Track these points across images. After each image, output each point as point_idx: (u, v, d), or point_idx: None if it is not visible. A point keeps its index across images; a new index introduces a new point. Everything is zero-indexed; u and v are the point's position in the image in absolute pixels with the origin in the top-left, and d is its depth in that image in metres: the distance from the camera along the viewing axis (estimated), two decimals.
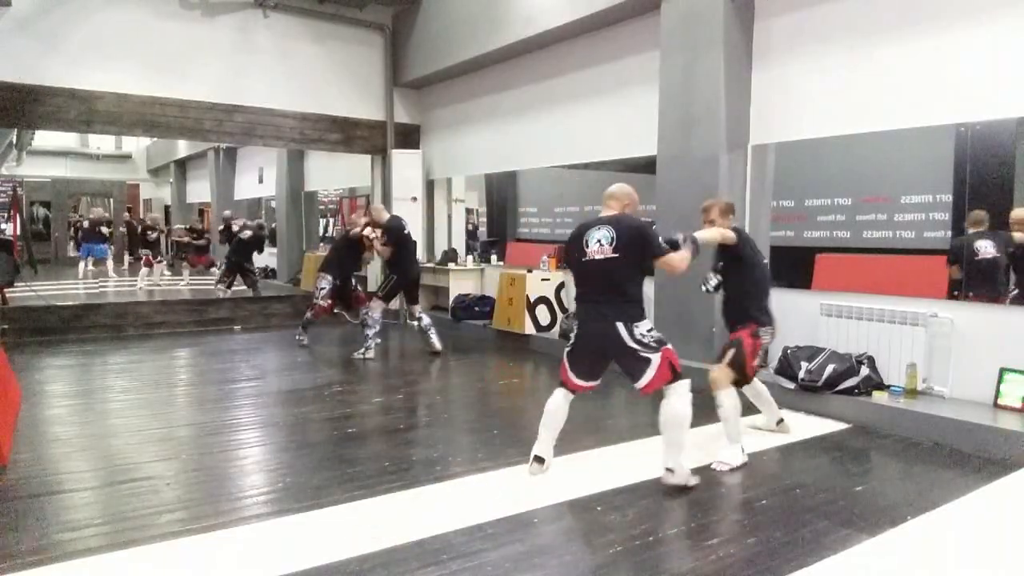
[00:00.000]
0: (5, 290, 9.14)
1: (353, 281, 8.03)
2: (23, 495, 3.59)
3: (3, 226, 15.64)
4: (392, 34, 10.60)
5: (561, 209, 10.93)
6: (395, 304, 10.35)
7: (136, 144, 24.07)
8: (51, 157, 22.22)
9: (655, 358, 3.59)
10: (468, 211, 12.24)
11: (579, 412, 5.52)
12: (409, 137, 10.99)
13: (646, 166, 7.12)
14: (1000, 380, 4.77)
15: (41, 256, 18.12)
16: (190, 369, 7.34)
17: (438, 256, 10.44)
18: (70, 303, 9.57)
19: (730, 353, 4.27)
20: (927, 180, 5.28)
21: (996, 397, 4.77)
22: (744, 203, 6.39)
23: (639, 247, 3.64)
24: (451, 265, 9.96)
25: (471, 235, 12.02)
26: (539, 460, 3.90)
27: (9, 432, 4.34)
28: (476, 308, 9.26)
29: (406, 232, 7.45)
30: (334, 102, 10.28)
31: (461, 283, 9.85)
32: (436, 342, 7.51)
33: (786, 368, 5.48)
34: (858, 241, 5.70)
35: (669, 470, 3.67)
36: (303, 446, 4.55)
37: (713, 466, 4.04)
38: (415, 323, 7.69)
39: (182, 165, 23.27)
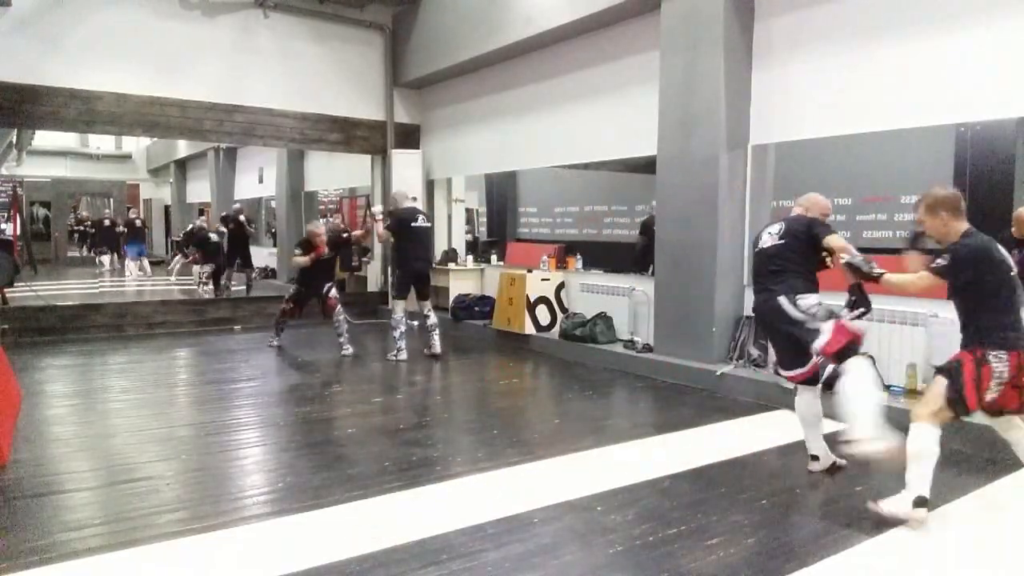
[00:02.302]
0: (5, 290, 9.14)
1: (328, 287, 7.75)
2: (23, 495, 3.59)
3: (3, 226, 15.65)
4: (392, 34, 10.60)
5: (561, 209, 10.93)
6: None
7: (136, 144, 24.06)
8: (51, 157, 22.22)
9: None
10: (468, 211, 12.22)
11: (579, 412, 5.54)
12: (409, 137, 10.99)
13: (646, 166, 7.12)
14: None
15: (41, 256, 18.12)
16: (190, 369, 7.34)
17: (438, 256, 10.44)
18: (70, 303, 9.57)
19: (939, 380, 3.34)
20: (927, 180, 5.27)
21: None
22: (744, 203, 6.39)
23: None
24: (451, 265, 9.96)
25: (471, 246, 11.83)
26: (815, 458, 4.05)
27: (9, 432, 4.35)
28: (476, 308, 9.26)
29: (413, 225, 7.31)
30: (334, 102, 10.28)
31: (461, 283, 9.85)
32: (437, 344, 7.47)
33: None
34: (858, 241, 5.70)
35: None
36: (303, 446, 4.55)
37: (875, 506, 3.34)
38: (423, 320, 7.63)
39: (182, 165, 23.27)
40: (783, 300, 3.76)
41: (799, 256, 3.88)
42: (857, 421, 3.43)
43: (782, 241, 3.88)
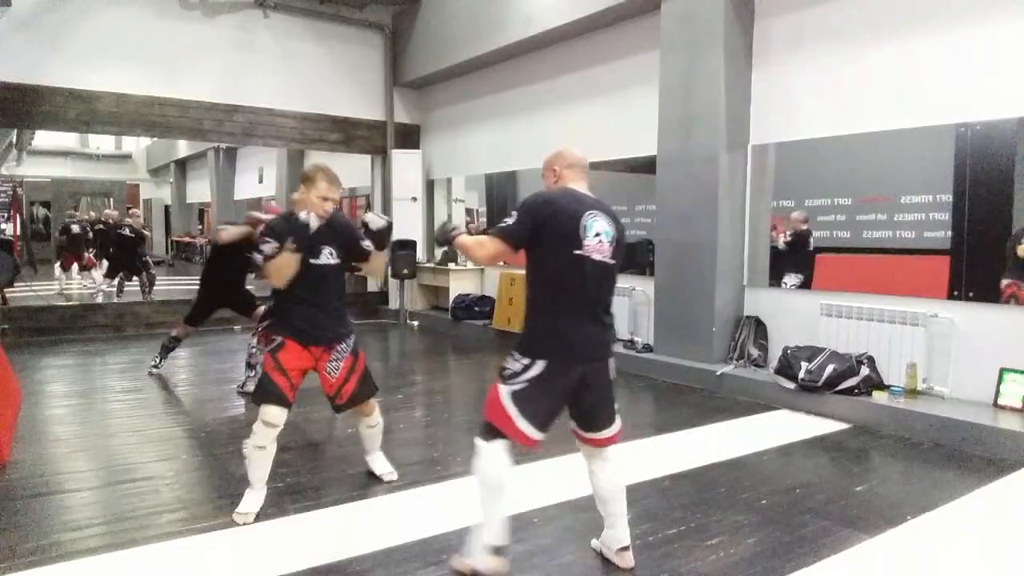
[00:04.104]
0: (5, 290, 9.14)
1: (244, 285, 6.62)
2: (23, 495, 3.60)
3: (3, 226, 15.65)
4: (392, 34, 10.60)
5: None
6: (395, 304, 10.40)
7: (136, 144, 24.08)
8: (51, 157, 22.24)
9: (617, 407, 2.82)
10: (468, 211, 12.22)
11: None
12: (409, 137, 10.99)
13: (646, 166, 7.12)
14: (1000, 380, 4.77)
15: (41, 256, 18.13)
16: (190, 369, 7.34)
17: (438, 256, 10.44)
18: (70, 303, 9.57)
19: None
20: (927, 180, 5.27)
21: (996, 397, 4.77)
22: (744, 203, 6.40)
23: (623, 256, 2.85)
24: (451, 265, 9.96)
25: None
26: (500, 550, 2.70)
27: (9, 432, 4.35)
28: (476, 308, 9.26)
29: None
30: (334, 102, 10.28)
31: (461, 283, 9.85)
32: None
33: (786, 368, 5.48)
34: (858, 241, 5.69)
35: (627, 548, 2.86)
36: (303, 446, 4.55)
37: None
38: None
39: (182, 165, 23.30)
40: (611, 362, 2.79)
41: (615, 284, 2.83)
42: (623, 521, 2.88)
43: (613, 262, 2.73)
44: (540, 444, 2.72)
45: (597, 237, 2.65)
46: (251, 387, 5.06)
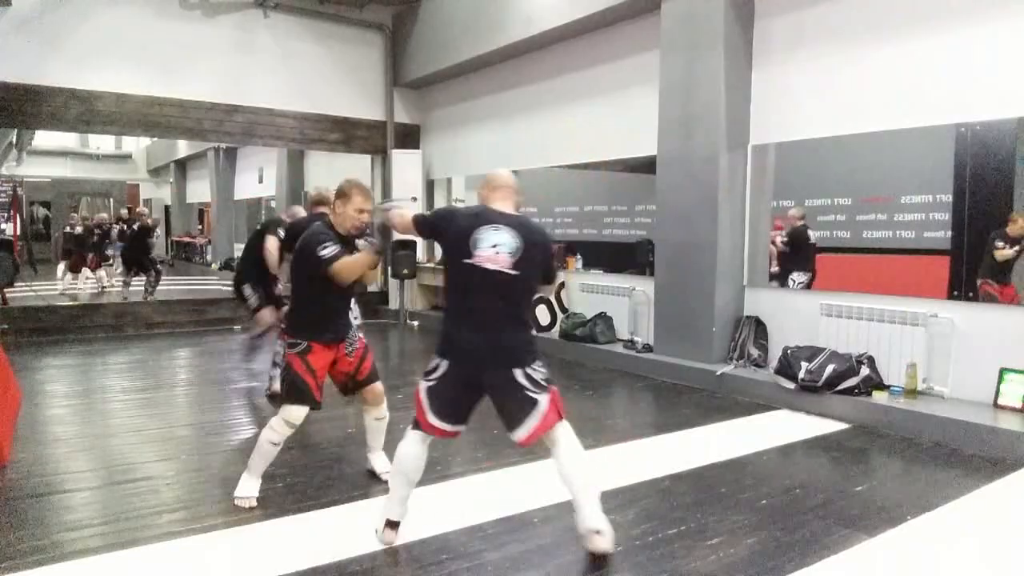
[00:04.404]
0: (5, 290, 9.15)
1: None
2: (23, 495, 3.59)
3: (3, 226, 15.65)
4: (392, 34, 10.60)
5: (561, 209, 10.90)
6: (395, 304, 10.40)
7: (136, 144, 24.08)
8: (51, 157, 22.24)
9: (543, 400, 2.88)
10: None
11: (579, 412, 5.54)
12: (409, 137, 10.99)
13: (646, 166, 7.12)
14: (1000, 380, 4.77)
15: (41, 256, 18.13)
16: (190, 369, 7.34)
17: (438, 256, 10.44)
18: (70, 303, 9.57)
19: None
20: (927, 180, 5.27)
21: (996, 397, 4.77)
22: (744, 203, 6.40)
23: (541, 268, 2.99)
24: None
25: None
26: (394, 525, 3.02)
27: (9, 432, 4.35)
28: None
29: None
30: (334, 102, 10.28)
31: None
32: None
33: (786, 368, 5.48)
34: (858, 241, 5.69)
35: (598, 532, 2.88)
36: (303, 446, 4.54)
37: None
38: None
39: (182, 165, 23.30)
40: (517, 371, 2.86)
41: (529, 294, 3.04)
42: (595, 503, 2.93)
43: (516, 273, 2.82)
44: (456, 435, 3.03)
45: (493, 248, 2.80)
46: (276, 386, 5.14)
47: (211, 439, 4.67)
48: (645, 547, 3.05)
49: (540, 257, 2.93)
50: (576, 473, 2.93)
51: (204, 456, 4.31)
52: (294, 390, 3.45)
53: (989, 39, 4.85)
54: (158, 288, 10.96)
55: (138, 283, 11.23)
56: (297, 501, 3.54)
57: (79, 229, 13.13)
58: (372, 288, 11.27)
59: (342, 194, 3.54)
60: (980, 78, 4.90)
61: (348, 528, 3.24)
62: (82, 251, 12.73)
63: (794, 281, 6.22)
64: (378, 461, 3.95)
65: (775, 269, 6.45)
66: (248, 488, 3.51)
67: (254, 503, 3.45)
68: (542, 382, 2.90)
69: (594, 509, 2.90)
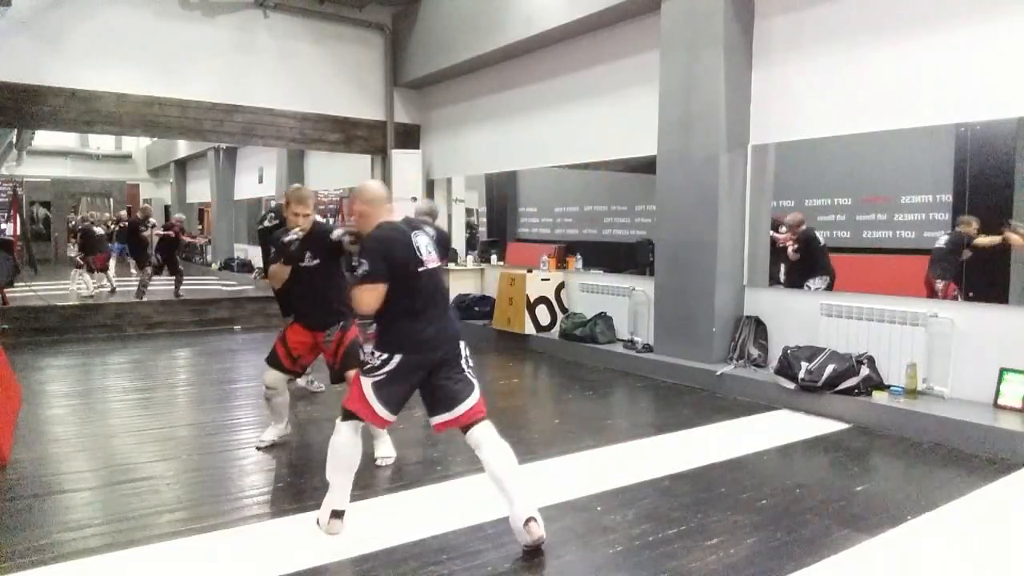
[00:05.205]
0: (5, 290, 9.15)
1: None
2: (23, 495, 3.59)
3: (3, 226, 15.64)
4: (392, 34, 10.60)
5: (561, 209, 10.92)
6: None
7: (136, 144, 24.09)
8: (51, 157, 22.26)
9: (478, 387, 3.14)
10: (468, 211, 12.24)
11: (579, 412, 5.54)
12: (409, 137, 10.99)
13: (646, 166, 7.12)
14: (1000, 380, 4.77)
15: (41, 256, 18.12)
16: (190, 369, 7.34)
17: None
18: (70, 303, 9.57)
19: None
20: (927, 180, 5.28)
21: (996, 397, 4.77)
22: (744, 203, 6.40)
23: (443, 247, 3.35)
24: (451, 265, 9.96)
25: (469, 243, 11.83)
26: (340, 515, 3.16)
27: (9, 432, 4.35)
28: (476, 308, 9.25)
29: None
30: (334, 102, 10.28)
31: (461, 283, 9.85)
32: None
33: (786, 368, 5.48)
34: (858, 241, 5.70)
35: (534, 519, 2.98)
36: (303, 446, 4.55)
37: None
38: None
39: (182, 165, 23.29)
40: (463, 345, 3.17)
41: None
42: (523, 491, 3.06)
43: (441, 262, 3.23)
44: (391, 424, 3.22)
45: (428, 250, 3.14)
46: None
47: (211, 439, 4.67)
48: (645, 547, 3.05)
49: (440, 241, 3.28)
50: (506, 469, 3.05)
51: (204, 456, 4.31)
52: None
53: (989, 39, 4.85)
54: (158, 287, 10.96)
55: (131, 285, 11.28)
56: (297, 501, 3.54)
57: (99, 229, 12.99)
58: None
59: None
60: (980, 78, 4.90)
61: (348, 528, 3.24)
62: (104, 252, 12.78)
63: (810, 288, 6.18)
64: (382, 447, 4.14)
65: (784, 278, 6.41)
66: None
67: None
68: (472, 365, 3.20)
69: (527, 498, 3.05)
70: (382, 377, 3.04)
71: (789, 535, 3.19)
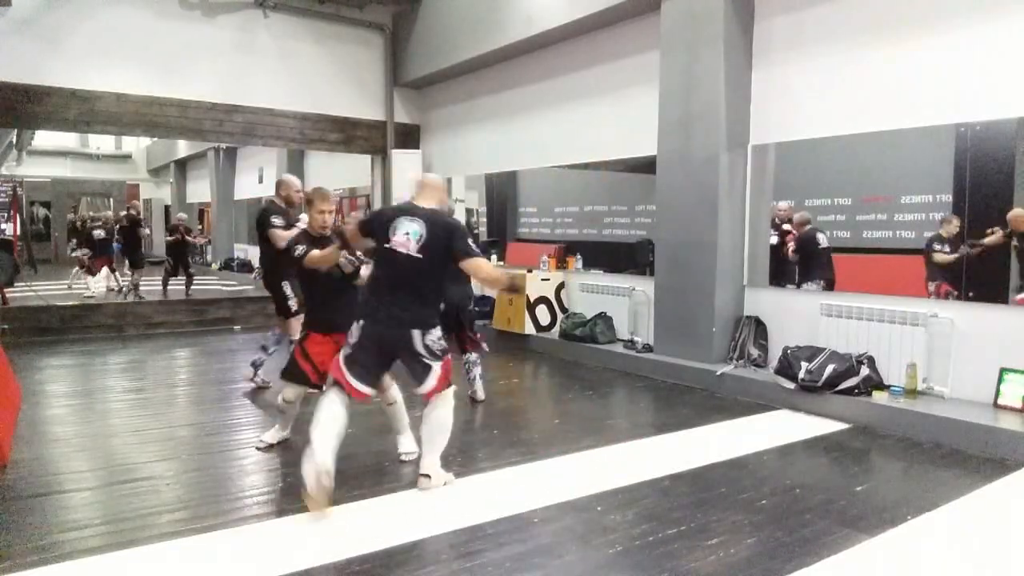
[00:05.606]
0: (5, 290, 9.14)
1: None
2: (23, 495, 3.60)
3: (3, 226, 15.64)
4: (392, 34, 10.60)
5: (561, 209, 10.91)
6: None
7: (136, 144, 24.08)
8: (51, 157, 22.24)
9: (436, 367, 3.52)
10: (468, 211, 12.24)
11: (579, 412, 5.54)
12: (409, 137, 10.99)
13: (646, 166, 7.13)
14: (1000, 380, 4.77)
15: (41, 256, 18.12)
16: (190, 369, 7.34)
17: None
18: (70, 303, 9.57)
19: None
20: (927, 180, 5.27)
21: (996, 397, 4.77)
22: (744, 203, 6.40)
23: (445, 248, 3.46)
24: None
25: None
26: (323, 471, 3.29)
27: (9, 432, 4.35)
28: (476, 308, 9.22)
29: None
30: (334, 102, 10.28)
31: None
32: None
33: (786, 368, 5.49)
34: (858, 241, 5.69)
35: (426, 476, 3.63)
36: (304, 446, 4.54)
37: None
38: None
39: (182, 165, 23.28)
40: (415, 334, 3.44)
41: (434, 275, 3.54)
42: (432, 455, 3.68)
43: (420, 257, 3.42)
44: (368, 398, 3.60)
45: (405, 235, 3.44)
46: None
47: (211, 439, 4.67)
48: (645, 547, 3.05)
49: (445, 240, 3.45)
50: (431, 428, 3.61)
51: (204, 456, 4.31)
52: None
53: (989, 39, 4.85)
54: (156, 287, 10.98)
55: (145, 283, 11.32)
56: (297, 501, 3.54)
57: (101, 233, 12.81)
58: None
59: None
60: (980, 78, 4.90)
61: (349, 528, 3.24)
62: (108, 255, 12.74)
63: (807, 289, 6.16)
64: (403, 443, 4.18)
65: (777, 278, 6.38)
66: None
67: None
68: (438, 352, 3.51)
69: (430, 458, 3.64)
70: (350, 350, 3.49)
71: (789, 535, 3.19)
